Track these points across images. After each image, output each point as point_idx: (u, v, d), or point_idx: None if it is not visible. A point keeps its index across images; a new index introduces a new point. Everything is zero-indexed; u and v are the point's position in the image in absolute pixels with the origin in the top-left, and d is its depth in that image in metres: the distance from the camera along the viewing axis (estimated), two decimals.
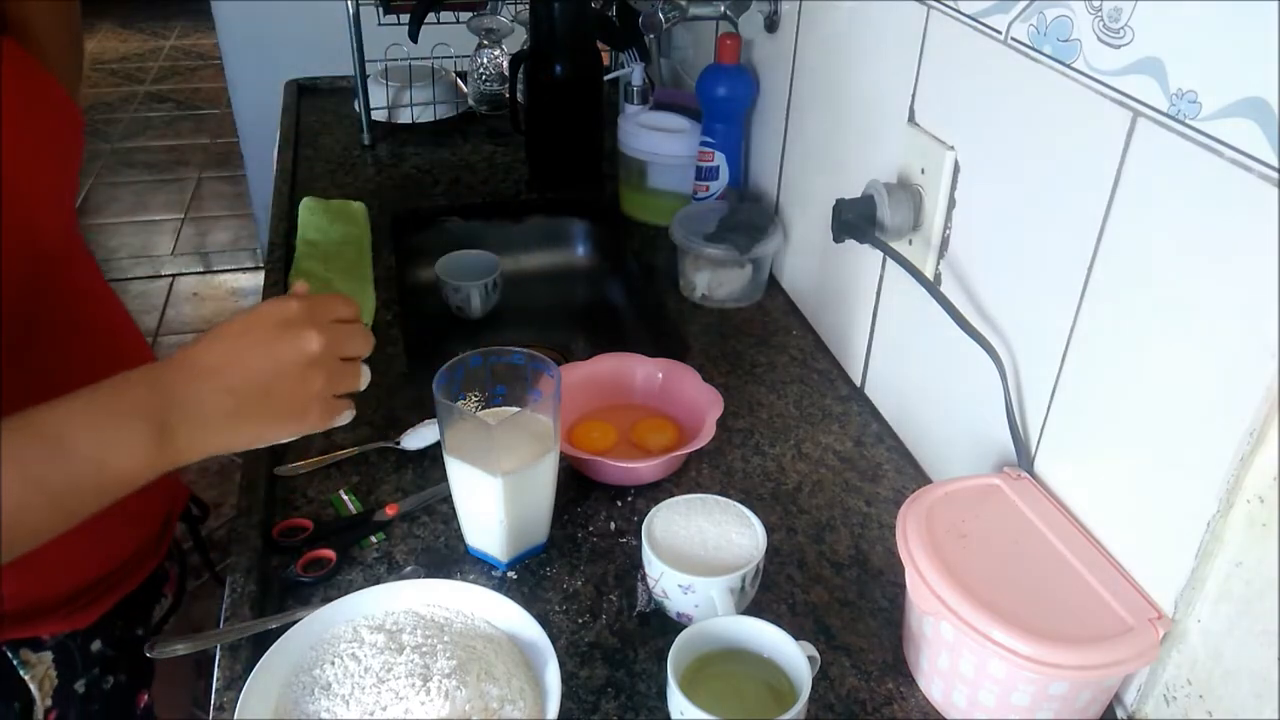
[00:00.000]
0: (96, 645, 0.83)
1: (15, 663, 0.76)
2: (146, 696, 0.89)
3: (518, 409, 0.83)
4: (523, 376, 0.83)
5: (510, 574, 0.83)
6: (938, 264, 0.89)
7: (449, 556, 0.84)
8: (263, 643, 0.71)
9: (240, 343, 0.61)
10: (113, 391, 0.58)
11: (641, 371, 1.02)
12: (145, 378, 0.59)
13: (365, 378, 0.67)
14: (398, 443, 0.95)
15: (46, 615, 0.78)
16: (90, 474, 0.57)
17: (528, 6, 1.44)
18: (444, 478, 0.82)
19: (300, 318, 0.62)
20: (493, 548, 0.82)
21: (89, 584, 0.82)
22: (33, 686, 0.77)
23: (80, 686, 0.81)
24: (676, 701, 0.66)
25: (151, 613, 0.92)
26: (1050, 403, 0.76)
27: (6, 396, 0.70)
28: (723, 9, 1.26)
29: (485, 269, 1.31)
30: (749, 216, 1.19)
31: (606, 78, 1.59)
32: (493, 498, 0.77)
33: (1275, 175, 0.54)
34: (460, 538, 0.85)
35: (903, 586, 0.76)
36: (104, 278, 0.88)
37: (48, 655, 0.78)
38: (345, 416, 0.67)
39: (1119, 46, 0.64)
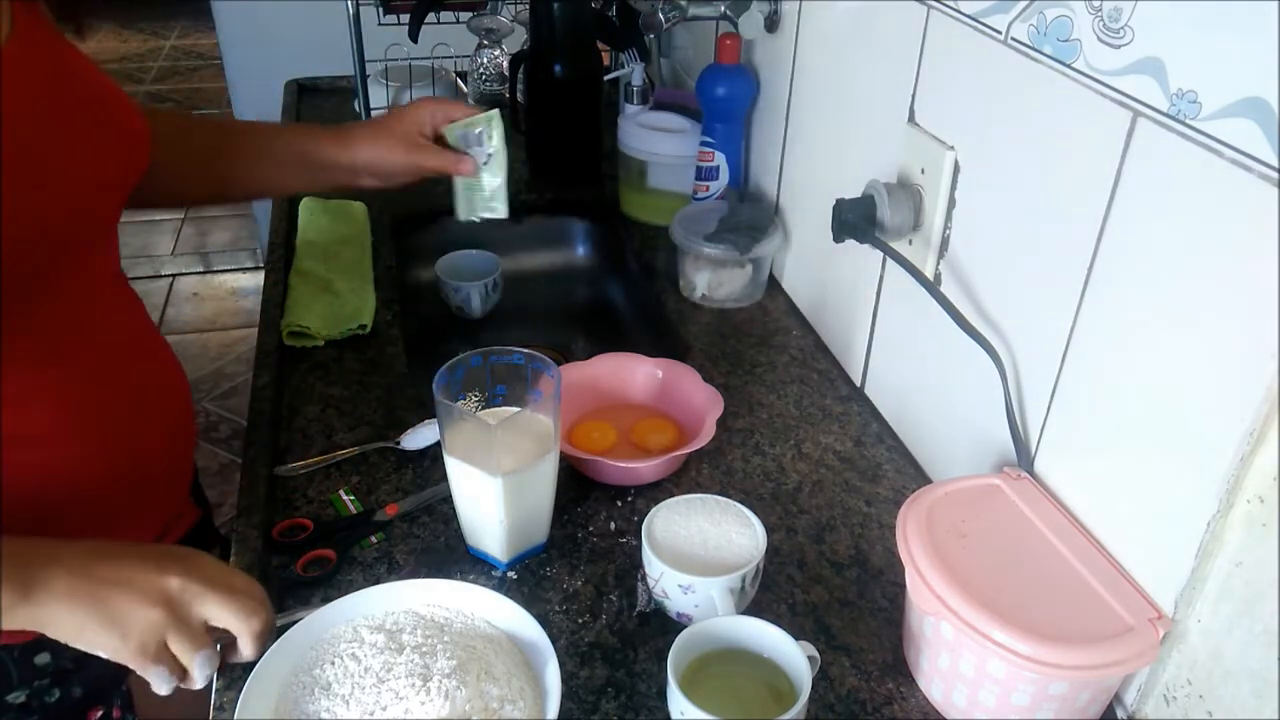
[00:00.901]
0: (43, 658, 0.80)
1: None
2: (101, 712, 0.86)
3: (518, 409, 0.83)
4: (523, 376, 0.83)
5: (510, 574, 0.83)
6: (938, 264, 0.89)
7: (449, 556, 0.84)
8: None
9: (116, 549, 0.65)
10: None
11: (641, 371, 1.02)
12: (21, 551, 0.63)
13: (203, 669, 0.65)
14: (398, 443, 0.95)
15: None
16: None
17: (528, 6, 1.44)
18: (444, 478, 0.82)
19: (182, 565, 0.64)
20: (493, 548, 0.82)
21: None
22: None
23: (17, 698, 0.79)
24: (676, 701, 0.66)
25: None
26: (1050, 403, 0.76)
27: (12, 376, 0.70)
28: (723, 9, 1.26)
29: (485, 269, 1.31)
30: (749, 216, 1.19)
31: (606, 78, 1.59)
32: (493, 498, 0.77)
33: (1275, 175, 0.54)
34: (460, 538, 0.85)
35: (903, 586, 0.76)
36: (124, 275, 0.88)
37: None
38: (163, 680, 0.64)
39: (1119, 46, 0.64)
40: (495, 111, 1.02)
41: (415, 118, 1.00)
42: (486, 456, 0.77)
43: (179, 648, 0.63)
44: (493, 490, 0.77)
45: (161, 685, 0.64)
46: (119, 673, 0.87)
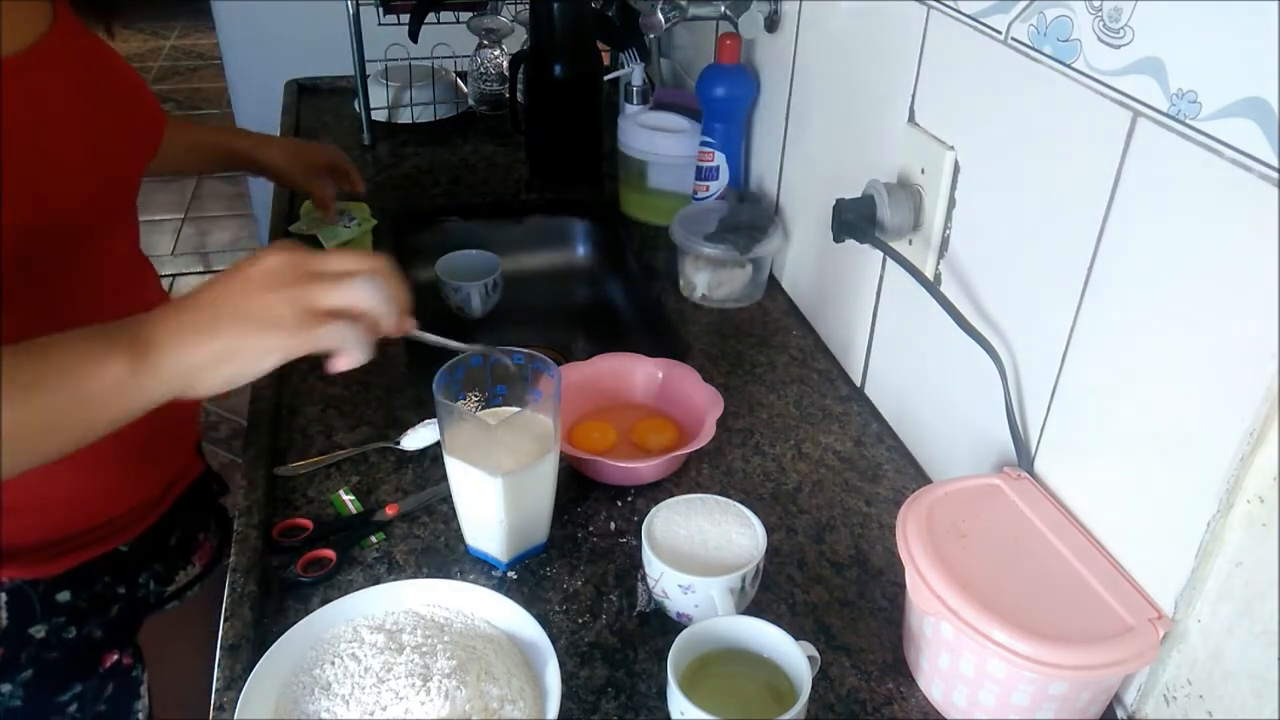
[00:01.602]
0: (64, 596, 0.83)
1: None
2: (116, 657, 0.89)
3: (518, 409, 0.83)
4: (523, 376, 0.83)
5: (510, 574, 0.83)
6: (938, 264, 0.89)
7: (449, 556, 0.84)
8: (263, 643, 0.71)
9: (207, 282, 0.63)
10: (94, 331, 0.61)
11: (641, 371, 1.02)
12: (121, 322, 0.62)
13: (365, 292, 0.62)
14: (398, 443, 0.95)
15: (8, 560, 0.79)
16: (67, 385, 0.58)
17: (528, 6, 1.44)
18: (444, 478, 0.82)
19: (271, 250, 0.63)
20: (493, 548, 0.82)
21: (62, 537, 0.83)
22: None
23: (38, 632, 0.82)
24: (676, 701, 0.66)
25: (142, 573, 0.93)
26: (1050, 403, 0.76)
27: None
28: (723, 9, 1.25)
29: (485, 269, 1.31)
30: (749, 216, 1.19)
31: (606, 78, 1.59)
32: (493, 498, 0.77)
33: (1275, 175, 0.54)
34: (460, 538, 0.85)
35: (903, 586, 0.76)
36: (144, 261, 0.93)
37: (2, 597, 0.80)
38: (345, 334, 0.62)
39: (1119, 46, 0.64)
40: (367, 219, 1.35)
41: (323, 151, 1.30)
42: (486, 456, 0.77)
43: (334, 294, 0.61)
44: (493, 490, 0.77)
45: (358, 348, 0.62)
46: (134, 620, 0.91)
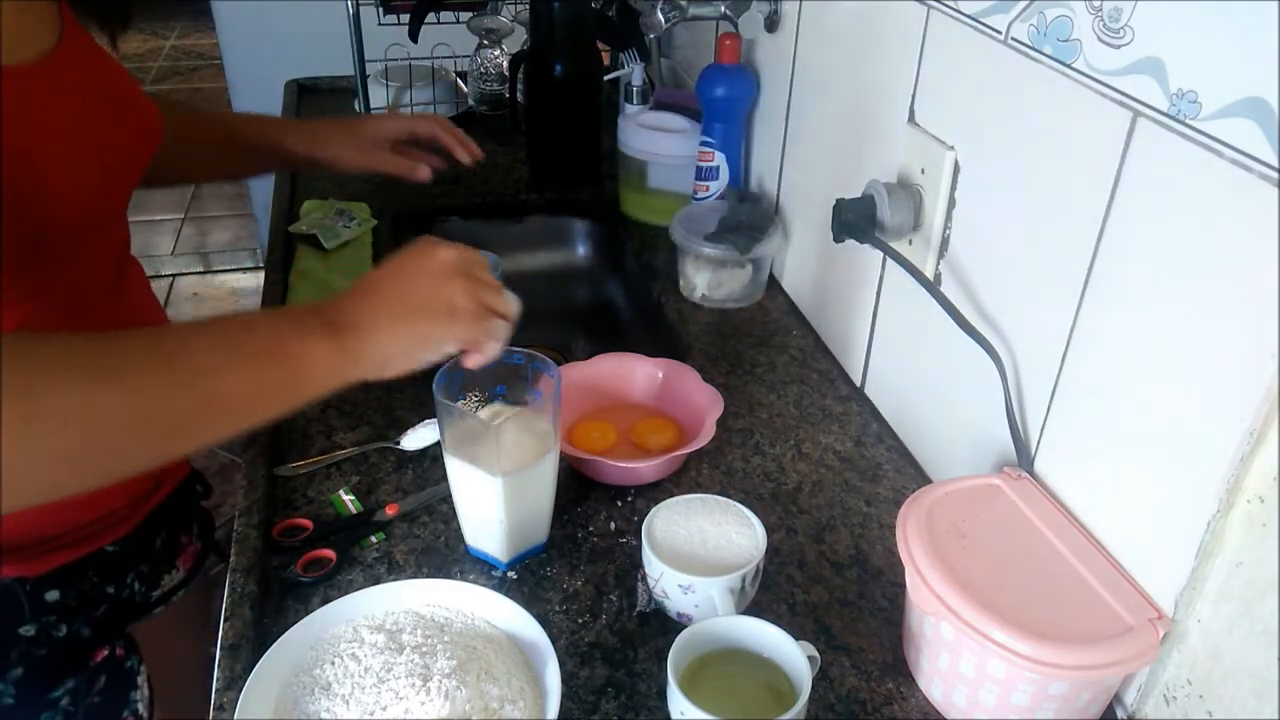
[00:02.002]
0: (53, 595, 0.84)
1: None
2: (106, 652, 0.90)
3: (518, 408, 0.83)
4: (522, 376, 0.83)
5: (510, 574, 0.83)
6: (938, 264, 0.89)
7: (449, 556, 0.84)
8: (263, 643, 0.71)
9: (384, 270, 0.69)
10: (279, 312, 0.67)
11: (641, 371, 1.02)
12: (303, 306, 0.66)
13: (514, 302, 0.72)
14: (398, 443, 0.95)
15: None
16: (283, 362, 0.62)
17: (528, 6, 1.44)
18: (444, 478, 0.82)
19: (438, 244, 0.70)
20: (493, 548, 0.82)
21: (49, 536, 0.83)
22: None
23: (28, 630, 0.82)
24: (676, 701, 0.66)
25: (131, 573, 0.93)
26: (1050, 403, 0.76)
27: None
28: (723, 9, 1.26)
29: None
30: (749, 216, 1.19)
31: (606, 78, 1.59)
32: (493, 498, 0.78)
33: (1275, 175, 0.54)
34: (460, 538, 0.85)
35: (903, 586, 0.76)
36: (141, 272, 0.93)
37: None
38: (499, 332, 0.71)
39: (1119, 46, 0.64)
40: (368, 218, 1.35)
41: (377, 125, 1.13)
42: (487, 456, 0.77)
43: (499, 295, 0.71)
44: (493, 490, 0.77)
45: (494, 345, 0.71)
46: (122, 614, 0.92)
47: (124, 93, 0.83)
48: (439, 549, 0.85)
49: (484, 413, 0.84)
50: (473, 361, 0.71)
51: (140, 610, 0.97)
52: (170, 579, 1.00)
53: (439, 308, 0.67)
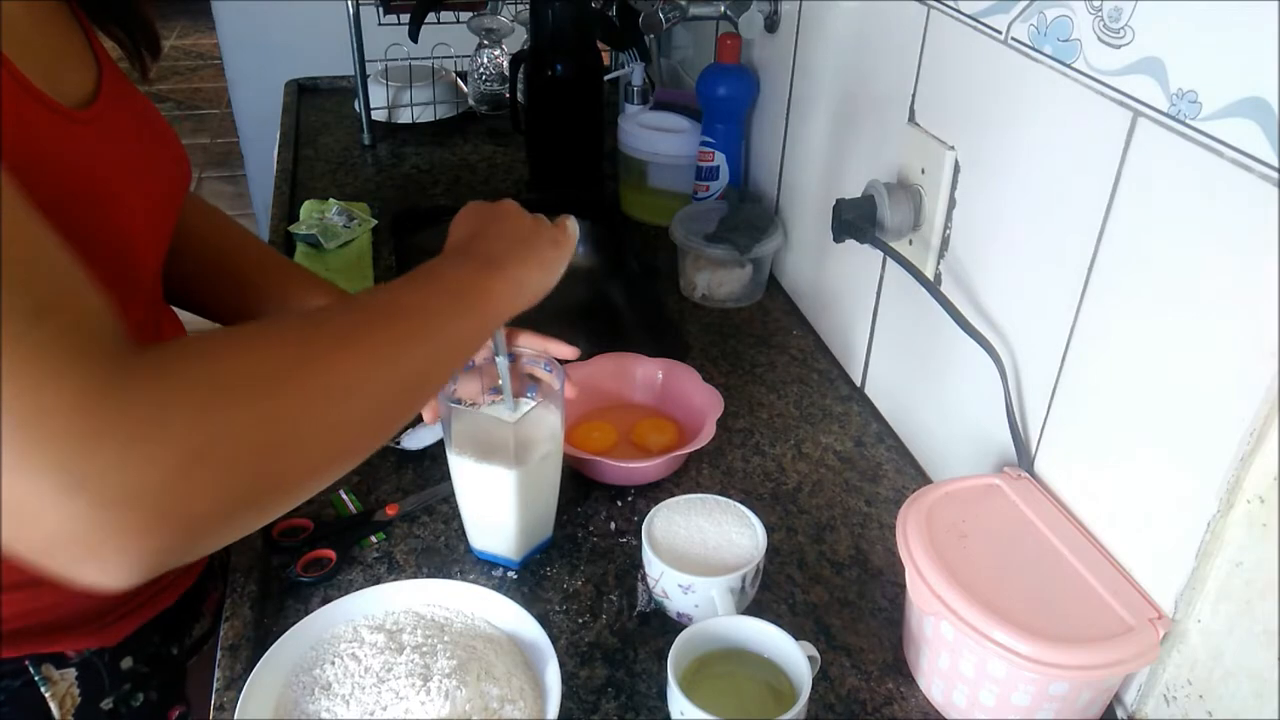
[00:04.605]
0: (128, 662, 0.80)
1: (37, 679, 0.74)
2: (178, 713, 0.87)
3: (530, 403, 0.82)
4: (523, 375, 0.83)
5: (510, 574, 0.83)
6: (938, 264, 0.89)
7: (449, 556, 0.84)
8: (263, 643, 0.71)
9: (471, 219, 0.74)
10: (441, 262, 0.67)
11: (641, 371, 1.02)
12: (446, 255, 0.69)
13: (573, 223, 0.80)
14: (398, 443, 0.95)
15: (73, 630, 0.75)
16: (489, 312, 0.65)
17: (528, 6, 1.44)
18: (444, 477, 0.82)
19: (485, 203, 0.76)
20: (503, 547, 0.82)
21: (119, 600, 0.79)
22: (53, 705, 0.75)
23: (107, 704, 0.79)
24: (676, 701, 0.66)
25: (190, 630, 0.90)
26: (1050, 403, 0.76)
27: None
28: (723, 9, 1.26)
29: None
30: (749, 216, 1.19)
31: (606, 78, 1.59)
32: (507, 494, 0.77)
33: (1275, 175, 0.54)
34: (461, 537, 0.85)
35: (903, 586, 0.76)
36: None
37: (71, 673, 0.76)
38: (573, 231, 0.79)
39: (1119, 46, 0.64)
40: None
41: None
42: (502, 452, 0.76)
43: (555, 224, 0.78)
44: (508, 486, 0.77)
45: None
46: (182, 676, 0.88)
47: (158, 125, 0.80)
48: (439, 549, 0.85)
49: (489, 409, 0.83)
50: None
51: (181, 665, 0.92)
52: (200, 627, 0.93)
53: (541, 237, 0.73)
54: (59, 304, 0.43)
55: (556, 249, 0.74)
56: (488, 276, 0.66)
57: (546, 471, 0.81)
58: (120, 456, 0.42)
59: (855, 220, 0.91)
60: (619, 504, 0.91)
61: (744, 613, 0.75)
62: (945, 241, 0.88)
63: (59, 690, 0.75)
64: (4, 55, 0.55)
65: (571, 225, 0.78)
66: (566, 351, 0.87)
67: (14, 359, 0.40)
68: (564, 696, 0.67)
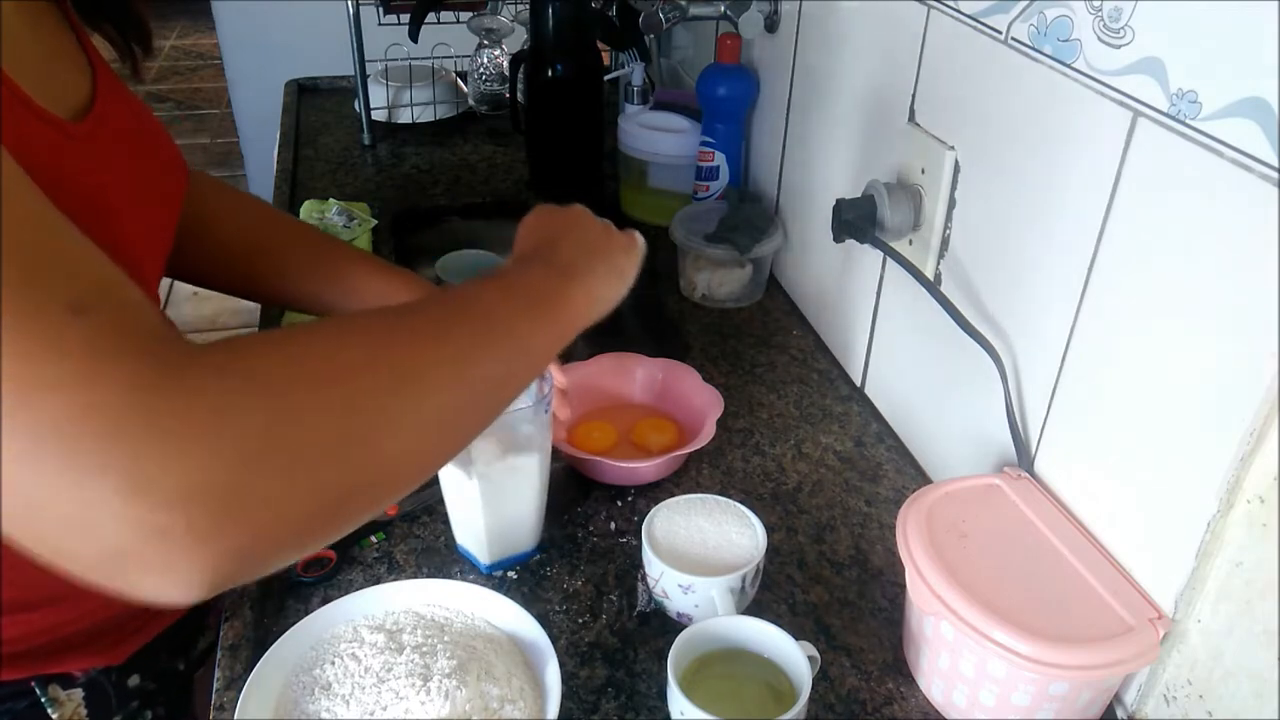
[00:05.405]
0: (135, 680, 0.80)
1: (43, 700, 0.73)
2: None
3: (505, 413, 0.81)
4: None
5: (510, 574, 0.83)
6: (938, 264, 0.89)
7: (449, 556, 0.84)
8: (263, 643, 0.71)
9: (543, 225, 0.70)
10: (516, 267, 0.65)
11: (641, 371, 1.02)
12: (519, 260, 0.66)
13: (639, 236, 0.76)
14: None
15: (79, 650, 0.74)
16: (565, 320, 0.63)
17: (528, 6, 1.44)
18: None
19: (552, 206, 0.73)
20: (475, 548, 0.82)
21: (124, 618, 0.78)
22: None
23: None
24: (676, 701, 0.66)
25: (195, 643, 0.90)
26: (1050, 403, 0.76)
27: None
28: (723, 9, 1.26)
29: (485, 269, 1.31)
30: (749, 216, 1.19)
31: (606, 78, 1.59)
32: (473, 498, 0.77)
33: (1275, 175, 0.54)
34: None
35: (903, 586, 0.76)
36: None
37: (78, 693, 0.75)
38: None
39: (1119, 46, 0.64)
40: None
41: None
42: (465, 456, 0.76)
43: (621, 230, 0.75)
44: (472, 490, 0.77)
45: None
46: (189, 692, 0.88)
47: (152, 128, 0.78)
48: (439, 549, 0.85)
49: None
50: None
51: (187, 679, 0.91)
52: (204, 639, 0.93)
53: (614, 245, 0.71)
54: (102, 297, 0.41)
55: (628, 257, 0.72)
56: (566, 284, 0.64)
57: (519, 484, 0.79)
58: (181, 451, 0.38)
59: (855, 220, 0.91)
60: (619, 504, 0.91)
61: (744, 613, 0.75)
62: (945, 241, 0.88)
63: (65, 711, 0.74)
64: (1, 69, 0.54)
65: (639, 236, 0.75)
66: (556, 373, 0.85)
67: (58, 353, 0.37)
68: (564, 696, 0.67)
